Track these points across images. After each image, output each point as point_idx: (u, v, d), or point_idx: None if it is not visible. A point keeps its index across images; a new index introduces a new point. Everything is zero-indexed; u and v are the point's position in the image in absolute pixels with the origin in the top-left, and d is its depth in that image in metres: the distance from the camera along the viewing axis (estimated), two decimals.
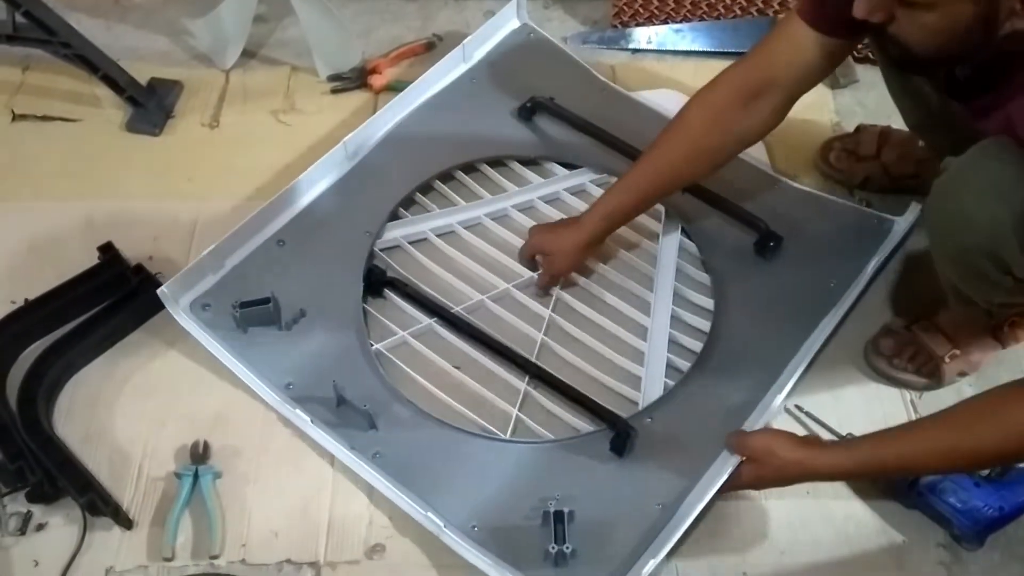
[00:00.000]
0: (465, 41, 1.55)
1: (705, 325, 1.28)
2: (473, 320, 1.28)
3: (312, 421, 1.16)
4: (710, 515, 1.13)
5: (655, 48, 1.69)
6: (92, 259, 1.31)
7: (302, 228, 1.36)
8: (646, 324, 1.28)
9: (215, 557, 1.09)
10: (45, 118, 1.56)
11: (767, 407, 1.18)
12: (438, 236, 1.38)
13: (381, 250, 1.35)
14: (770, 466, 1.04)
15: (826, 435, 1.19)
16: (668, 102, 1.49)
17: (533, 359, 1.25)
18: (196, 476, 1.13)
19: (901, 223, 1.36)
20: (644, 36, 1.69)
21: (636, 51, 1.69)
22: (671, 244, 1.37)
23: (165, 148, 1.52)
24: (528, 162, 1.48)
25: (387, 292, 1.30)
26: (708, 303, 1.30)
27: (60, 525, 1.11)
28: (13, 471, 1.11)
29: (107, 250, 1.31)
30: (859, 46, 1.66)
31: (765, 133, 1.21)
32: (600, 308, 1.31)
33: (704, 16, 1.72)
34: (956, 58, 1.00)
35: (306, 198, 1.38)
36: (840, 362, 1.27)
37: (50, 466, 1.11)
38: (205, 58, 1.65)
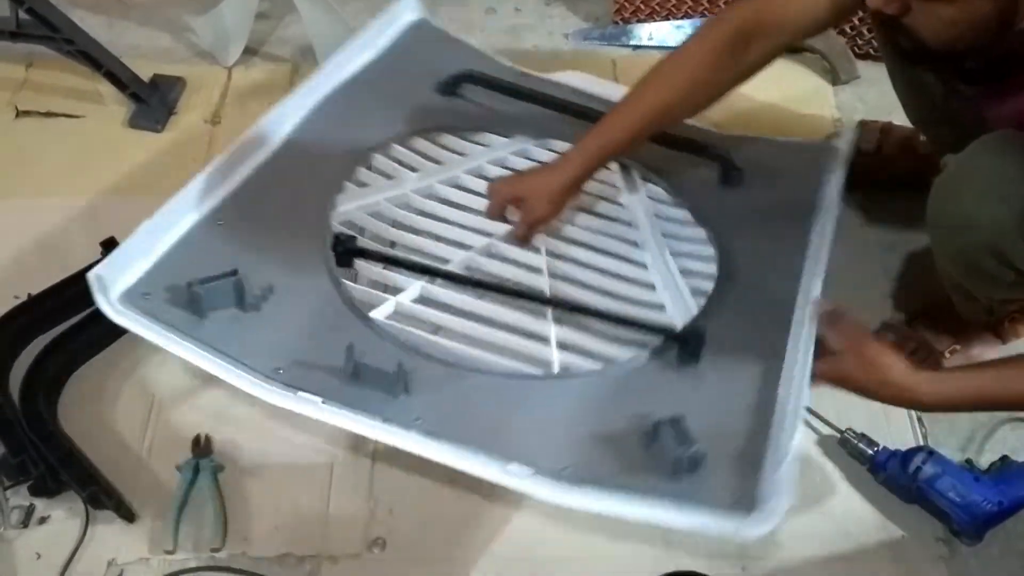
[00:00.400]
0: (366, 30, 1.47)
1: (702, 249, 1.26)
2: (470, 274, 1.20)
3: (324, 402, 1.01)
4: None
5: (656, 44, 1.69)
6: (95, 254, 1.31)
7: (240, 206, 1.22)
8: (645, 260, 1.25)
9: (216, 550, 1.09)
10: (48, 115, 1.57)
11: (809, 292, 1.13)
12: (395, 206, 1.29)
13: (339, 223, 1.24)
14: (874, 378, 0.98)
15: (826, 430, 1.19)
16: (582, 83, 1.48)
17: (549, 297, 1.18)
18: (197, 469, 1.14)
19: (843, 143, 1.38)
20: (645, 32, 1.70)
21: (637, 47, 1.69)
22: (635, 187, 1.35)
23: (167, 144, 1.53)
24: (463, 135, 1.41)
25: (358, 262, 1.18)
26: (699, 231, 1.29)
27: (63, 518, 1.12)
28: (16, 464, 1.11)
29: (109, 245, 1.31)
30: (859, 43, 1.67)
31: (759, 71, 1.16)
32: (593, 250, 1.26)
33: (705, 12, 1.72)
34: (969, 51, 0.99)
35: (238, 176, 1.26)
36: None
37: (53, 460, 1.11)
38: (207, 55, 1.66)
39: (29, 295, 1.27)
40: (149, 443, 1.18)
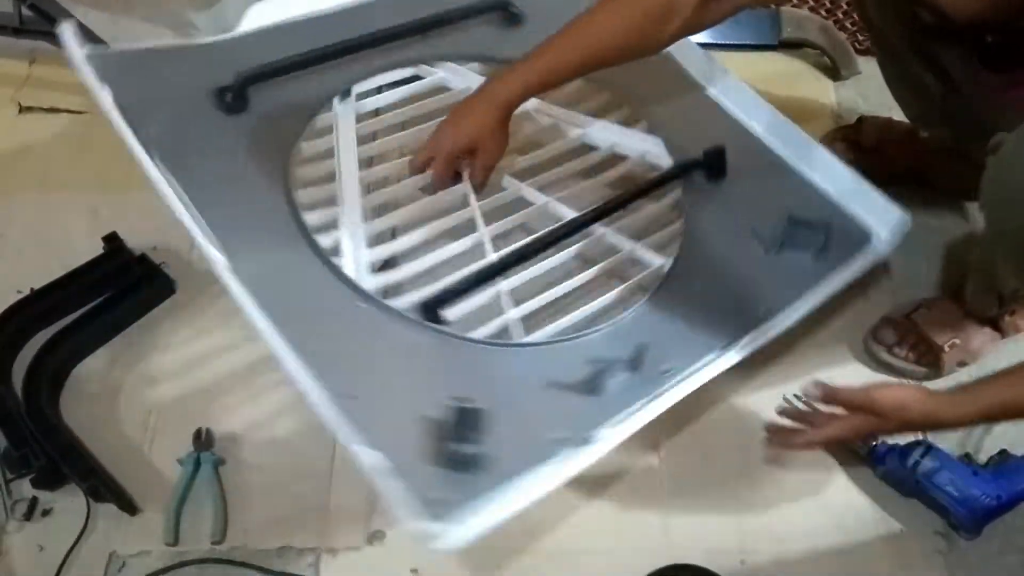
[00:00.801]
0: None
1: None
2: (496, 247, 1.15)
3: None
4: (708, 504, 1.14)
5: None
6: (97, 249, 1.32)
7: None
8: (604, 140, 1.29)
9: (217, 542, 1.10)
10: (52, 110, 1.57)
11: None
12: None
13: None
14: (896, 420, 0.97)
15: None
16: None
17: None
18: (199, 463, 1.14)
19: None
20: None
21: None
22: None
23: None
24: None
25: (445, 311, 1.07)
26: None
27: (64, 510, 1.13)
28: (18, 457, 1.12)
29: (111, 240, 1.32)
30: (860, 39, 1.67)
31: (718, 23, 1.13)
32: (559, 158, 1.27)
33: None
34: (992, 24, 0.97)
35: None
36: (839, 352, 1.28)
37: (55, 452, 1.12)
38: None
39: (32, 290, 1.28)
40: (151, 436, 1.19)
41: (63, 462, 1.11)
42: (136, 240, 1.34)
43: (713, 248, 1.16)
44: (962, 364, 1.25)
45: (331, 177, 1.18)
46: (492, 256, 1.14)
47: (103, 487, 1.11)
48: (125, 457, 1.17)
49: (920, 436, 1.19)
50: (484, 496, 0.89)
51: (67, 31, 1.13)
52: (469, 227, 1.18)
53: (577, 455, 0.92)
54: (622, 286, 1.15)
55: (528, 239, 1.15)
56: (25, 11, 1.41)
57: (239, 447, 1.18)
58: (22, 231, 1.39)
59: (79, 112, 1.56)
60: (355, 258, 1.09)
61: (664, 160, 1.27)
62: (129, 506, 1.12)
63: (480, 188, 1.19)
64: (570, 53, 1.10)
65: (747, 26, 1.67)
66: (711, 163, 1.21)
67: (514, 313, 1.09)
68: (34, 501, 1.13)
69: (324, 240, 1.09)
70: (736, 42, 1.65)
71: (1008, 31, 0.99)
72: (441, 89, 1.34)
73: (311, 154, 1.22)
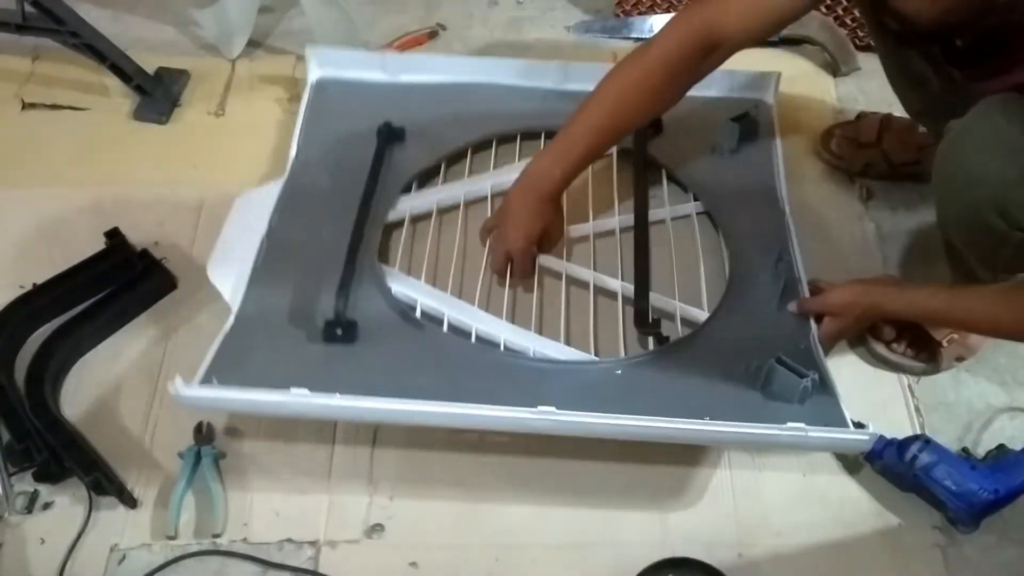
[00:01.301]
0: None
1: None
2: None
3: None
4: (704, 499, 1.14)
5: None
6: (99, 244, 1.33)
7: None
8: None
9: (217, 536, 1.10)
10: (54, 107, 1.58)
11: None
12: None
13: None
14: (851, 316, 1.18)
15: None
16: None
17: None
18: (199, 457, 1.15)
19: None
20: (646, 25, 1.70)
21: (639, 39, 1.69)
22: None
23: (171, 136, 1.54)
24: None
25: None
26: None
27: (66, 504, 1.13)
28: (20, 451, 1.13)
29: (113, 235, 1.33)
30: (860, 35, 1.67)
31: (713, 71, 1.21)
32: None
33: None
34: (956, 27, 1.00)
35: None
36: (838, 347, 1.27)
37: (56, 446, 1.12)
38: (212, 48, 1.67)
39: (34, 284, 1.28)
40: (152, 430, 1.19)
41: (65, 456, 1.12)
42: (138, 235, 1.35)
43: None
44: (960, 359, 1.25)
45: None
46: None
47: (105, 480, 1.11)
48: (126, 451, 1.17)
49: (918, 431, 1.19)
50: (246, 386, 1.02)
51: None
52: None
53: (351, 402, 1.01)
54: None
55: None
56: (28, 8, 1.42)
57: (239, 441, 1.18)
58: (25, 226, 1.40)
59: (82, 109, 1.57)
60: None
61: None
62: (130, 499, 1.13)
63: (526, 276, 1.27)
64: (594, 134, 1.20)
65: None
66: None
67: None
68: (35, 494, 1.13)
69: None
70: None
71: (973, 34, 1.01)
72: None
73: None
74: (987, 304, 1.07)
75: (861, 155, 1.46)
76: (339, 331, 1.14)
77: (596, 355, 1.17)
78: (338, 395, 1.01)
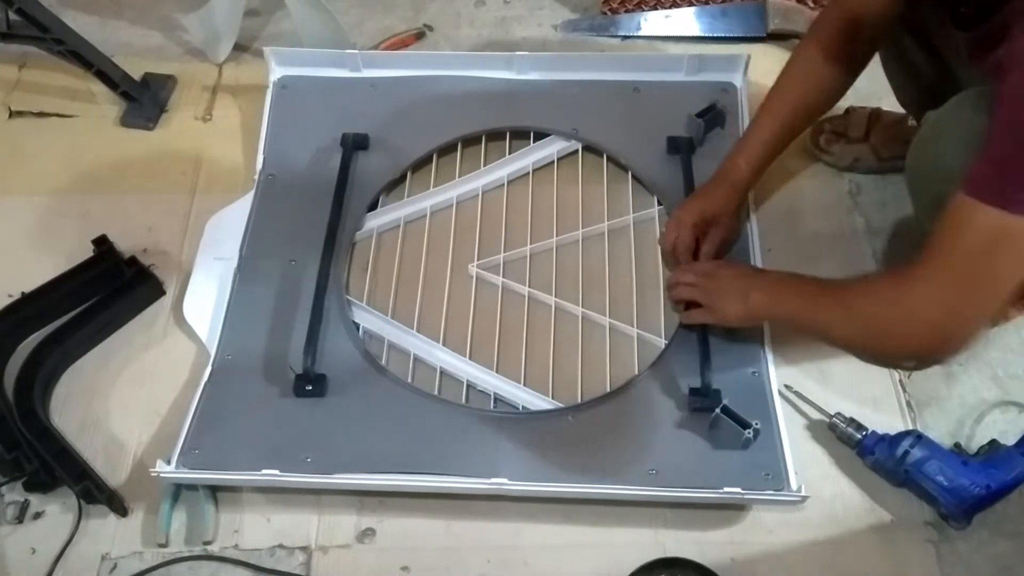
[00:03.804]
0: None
1: None
2: None
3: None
4: (698, 495, 1.14)
5: (645, 35, 1.69)
6: (87, 252, 1.33)
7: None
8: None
9: (208, 543, 1.11)
10: (41, 114, 1.57)
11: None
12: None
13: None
14: (718, 314, 1.16)
15: (815, 415, 1.19)
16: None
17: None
18: None
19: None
20: (633, 23, 1.69)
21: (626, 38, 1.69)
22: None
23: (159, 142, 1.53)
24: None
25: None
26: None
27: (56, 513, 1.13)
28: (10, 460, 1.13)
29: (101, 243, 1.33)
30: None
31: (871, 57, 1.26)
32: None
33: (693, 1, 1.71)
34: None
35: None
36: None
37: (46, 455, 1.13)
38: (198, 52, 1.67)
39: (22, 293, 1.28)
40: (141, 438, 1.19)
41: (55, 465, 1.12)
42: (126, 243, 1.35)
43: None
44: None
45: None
46: None
47: (95, 489, 1.11)
48: (116, 459, 1.17)
49: (910, 426, 1.19)
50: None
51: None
52: None
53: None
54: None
55: None
56: (12, 16, 1.41)
57: None
58: (12, 234, 1.40)
59: (69, 116, 1.57)
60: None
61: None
62: (121, 508, 1.13)
63: (718, 257, 1.27)
64: (769, 128, 1.26)
65: (735, 18, 1.67)
66: None
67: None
68: (26, 504, 1.13)
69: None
70: (725, 34, 1.65)
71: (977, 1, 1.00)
72: None
73: None
74: (830, 308, 1.04)
75: (850, 149, 1.46)
76: (309, 387, 1.16)
77: (551, 396, 1.19)
78: (306, 474, 1.09)
